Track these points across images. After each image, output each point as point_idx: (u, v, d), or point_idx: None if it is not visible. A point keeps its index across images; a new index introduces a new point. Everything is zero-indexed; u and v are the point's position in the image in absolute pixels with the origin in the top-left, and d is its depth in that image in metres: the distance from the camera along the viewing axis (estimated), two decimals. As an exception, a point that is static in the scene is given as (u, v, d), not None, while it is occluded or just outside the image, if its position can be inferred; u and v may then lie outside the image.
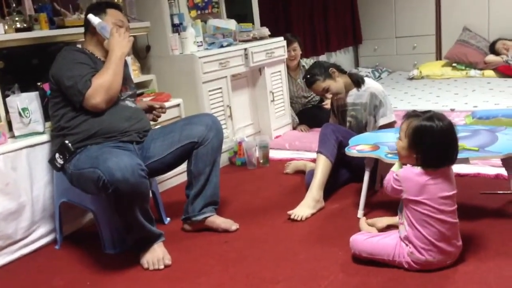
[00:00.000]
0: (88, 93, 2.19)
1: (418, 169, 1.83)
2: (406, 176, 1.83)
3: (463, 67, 5.58)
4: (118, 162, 1.98)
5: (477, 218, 2.25)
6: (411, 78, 5.80)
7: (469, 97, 4.60)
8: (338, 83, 2.83)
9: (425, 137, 1.79)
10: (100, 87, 2.20)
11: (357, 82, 2.84)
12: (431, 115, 1.82)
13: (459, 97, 4.66)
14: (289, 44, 4.10)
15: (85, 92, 2.19)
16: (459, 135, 2.31)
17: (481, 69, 5.48)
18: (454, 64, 5.66)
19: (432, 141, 1.78)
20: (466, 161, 2.15)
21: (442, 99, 4.66)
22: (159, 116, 2.69)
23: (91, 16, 2.35)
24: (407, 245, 1.85)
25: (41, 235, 2.46)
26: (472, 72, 5.51)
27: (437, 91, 5.04)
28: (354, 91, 2.86)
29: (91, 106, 2.22)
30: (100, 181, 1.97)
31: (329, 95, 2.85)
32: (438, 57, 6.19)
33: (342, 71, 2.90)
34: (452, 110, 4.20)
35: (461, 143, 2.18)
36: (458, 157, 2.05)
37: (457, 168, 2.80)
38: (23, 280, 2.19)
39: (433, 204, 1.80)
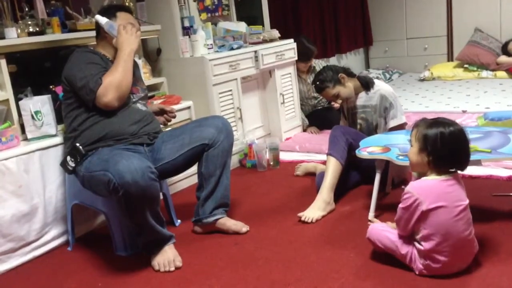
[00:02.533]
0: (99, 91, 2.21)
1: (431, 179, 1.82)
2: (421, 186, 1.82)
3: (475, 68, 5.55)
4: (128, 165, 1.99)
5: (489, 221, 2.23)
6: (422, 80, 5.77)
7: (481, 99, 4.57)
8: (347, 88, 2.82)
9: (437, 139, 1.78)
10: (111, 85, 2.22)
11: (366, 85, 2.83)
12: (441, 120, 1.83)
13: (471, 99, 4.62)
14: (307, 60, 4.10)
15: (96, 90, 2.20)
16: (471, 136, 2.30)
17: (493, 70, 5.44)
18: (465, 65, 5.63)
19: (443, 143, 1.78)
20: (478, 163, 2.13)
21: (453, 101, 4.63)
22: (169, 120, 2.71)
23: (98, 17, 2.37)
24: (421, 258, 1.83)
25: (53, 237, 2.48)
26: (484, 73, 5.47)
27: (448, 93, 5.01)
28: (364, 93, 2.85)
29: (103, 104, 2.23)
30: (111, 184, 1.99)
31: (339, 101, 2.85)
32: (450, 58, 6.15)
33: (351, 74, 2.89)
34: (464, 111, 4.17)
35: (473, 145, 2.16)
36: (471, 158, 2.04)
37: (469, 170, 2.77)
38: (35, 282, 2.21)
39: (451, 212, 1.78)
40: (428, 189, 1.80)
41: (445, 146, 1.78)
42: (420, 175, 1.91)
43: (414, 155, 1.86)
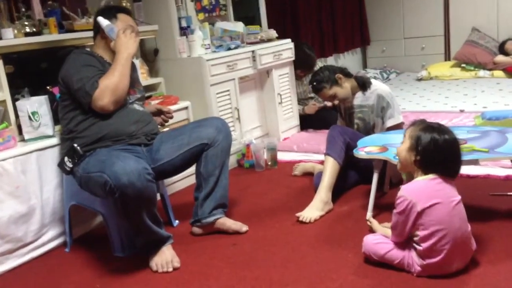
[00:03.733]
0: (95, 94, 2.20)
1: (421, 180, 1.84)
2: (412, 188, 1.83)
3: (472, 68, 5.56)
4: (124, 166, 1.99)
5: (487, 220, 2.23)
6: (420, 79, 5.78)
7: (478, 98, 4.57)
8: (344, 89, 2.82)
9: (429, 143, 1.80)
10: (107, 88, 2.21)
11: (363, 85, 2.83)
12: (438, 126, 1.85)
13: (468, 98, 4.63)
14: (309, 69, 4.11)
15: (92, 93, 2.20)
16: (469, 136, 2.32)
17: (490, 70, 5.46)
18: (463, 65, 5.64)
19: (435, 148, 1.80)
20: (475, 162, 2.13)
21: (451, 100, 4.63)
22: (166, 121, 2.71)
23: (100, 19, 2.36)
24: (420, 258, 1.83)
25: (51, 238, 2.47)
26: (481, 72, 5.48)
27: (446, 92, 5.02)
28: (360, 93, 2.85)
29: (99, 107, 2.23)
30: (107, 186, 1.99)
31: (336, 102, 2.85)
32: (447, 57, 6.16)
33: (348, 74, 2.89)
34: (462, 111, 4.18)
35: (470, 145, 2.18)
36: (468, 158, 2.05)
37: (466, 170, 2.80)
38: (33, 283, 2.20)
39: (446, 207, 1.78)
40: (420, 190, 1.81)
41: (436, 152, 1.80)
42: (408, 178, 1.93)
43: (403, 151, 1.88)
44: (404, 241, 1.89)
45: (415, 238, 1.83)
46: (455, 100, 4.60)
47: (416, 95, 5.07)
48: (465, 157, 2.06)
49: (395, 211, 1.85)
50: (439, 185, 1.81)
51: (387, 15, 6.44)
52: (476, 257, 1.92)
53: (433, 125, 1.86)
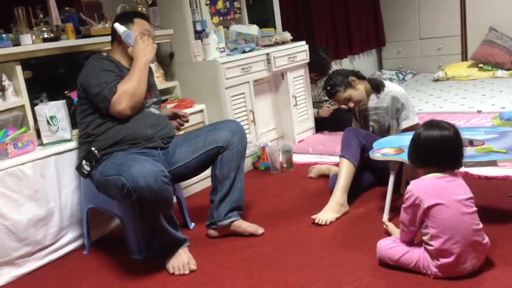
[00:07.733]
0: (113, 99, 2.23)
1: (429, 177, 1.84)
2: (420, 184, 1.83)
3: (490, 68, 5.49)
4: (141, 169, 2.01)
5: (505, 222, 2.20)
6: (436, 80, 5.72)
7: (496, 98, 4.52)
8: (359, 91, 2.81)
9: (411, 142, 1.90)
10: (125, 93, 2.24)
11: (377, 87, 2.81)
12: (430, 122, 1.91)
13: (486, 98, 4.58)
14: (324, 73, 4.07)
15: (111, 98, 2.23)
16: (487, 137, 2.29)
17: (508, 69, 5.39)
18: (480, 65, 5.57)
19: (416, 145, 1.88)
20: (494, 163, 2.10)
21: (468, 101, 4.58)
22: (182, 125, 2.73)
23: (117, 25, 2.39)
24: (434, 258, 1.82)
25: (69, 240, 2.50)
26: (499, 72, 5.41)
27: (463, 93, 4.97)
28: (374, 95, 2.84)
29: (117, 112, 2.26)
30: (124, 188, 2.01)
31: (351, 104, 2.84)
32: (464, 58, 6.09)
33: (361, 77, 2.88)
34: (479, 111, 4.13)
35: (488, 145, 2.15)
36: (486, 159, 2.02)
37: (485, 171, 2.77)
38: (51, 285, 2.23)
39: (453, 207, 1.77)
40: (427, 186, 1.82)
41: (418, 148, 1.88)
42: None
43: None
44: (417, 243, 1.88)
45: (425, 237, 1.82)
46: (472, 101, 4.55)
47: (432, 96, 5.03)
48: (483, 158, 2.04)
49: (403, 206, 1.87)
50: (447, 183, 1.81)
51: (403, 15, 6.39)
52: (494, 259, 1.89)
53: (423, 124, 1.92)
